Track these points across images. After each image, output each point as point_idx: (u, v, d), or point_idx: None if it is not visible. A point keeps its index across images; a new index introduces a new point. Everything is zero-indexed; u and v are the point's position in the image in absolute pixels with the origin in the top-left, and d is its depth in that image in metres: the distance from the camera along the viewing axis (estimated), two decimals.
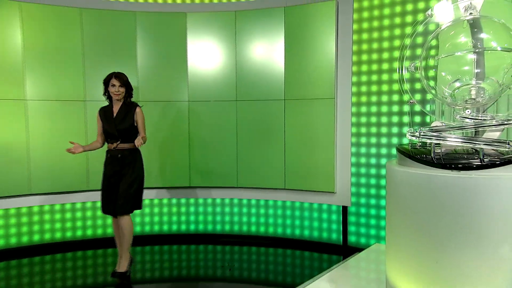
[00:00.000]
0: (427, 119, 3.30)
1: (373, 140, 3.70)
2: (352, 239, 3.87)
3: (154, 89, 4.21)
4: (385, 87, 3.61)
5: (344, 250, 3.86)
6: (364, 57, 3.69)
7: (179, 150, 4.27)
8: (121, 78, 3.33)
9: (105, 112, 3.37)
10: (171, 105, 4.26)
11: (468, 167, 1.88)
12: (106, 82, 3.32)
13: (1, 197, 3.72)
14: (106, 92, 3.35)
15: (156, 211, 4.33)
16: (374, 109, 3.68)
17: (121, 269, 3.34)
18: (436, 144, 2.12)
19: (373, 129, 3.70)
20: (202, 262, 3.92)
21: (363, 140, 3.75)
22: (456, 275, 1.87)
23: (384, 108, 3.63)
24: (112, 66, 3.86)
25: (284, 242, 4.20)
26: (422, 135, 2.15)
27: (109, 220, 3.90)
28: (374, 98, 3.68)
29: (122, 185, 3.36)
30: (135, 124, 3.37)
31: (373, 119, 3.68)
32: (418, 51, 2.94)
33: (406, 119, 3.47)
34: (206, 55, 4.20)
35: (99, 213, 3.76)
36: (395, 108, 3.57)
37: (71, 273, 3.60)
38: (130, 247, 3.35)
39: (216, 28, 4.14)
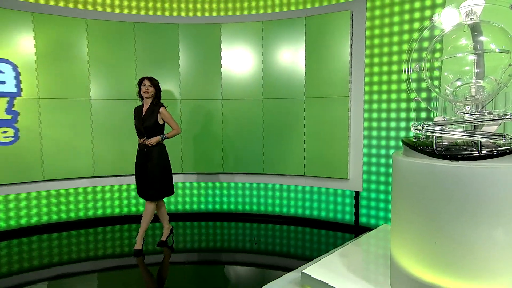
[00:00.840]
0: (432, 115, 3.33)
1: (383, 133, 3.77)
2: (363, 220, 3.99)
3: (193, 90, 4.37)
4: (394, 86, 3.68)
5: (356, 230, 3.97)
6: (376, 59, 3.75)
7: (214, 141, 4.43)
8: (151, 80, 3.39)
9: (137, 111, 3.45)
10: (207, 102, 4.39)
11: (467, 158, 1.88)
12: (139, 83, 3.41)
13: (80, 178, 4.14)
14: (139, 93, 3.42)
15: (195, 193, 4.58)
16: (384, 106, 3.75)
17: (137, 246, 3.45)
18: (437, 137, 2.13)
19: (383, 124, 3.77)
20: (233, 236, 4.06)
21: (374, 133, 3.82)
22: (453, 254, 1.87)
23: (393, 105, 3.69)
24: (158, 71, 4.16)
25: (303, 221, 4.31)
26: (425, 128, 2.16)
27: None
28: (384, 96, 3.74)
29: (148, 177, 3.41)
30: (159, 123, 3.38)
31: (383, 115, 3.75)
32: (423, 54, 2.88)
33: (412, 114, 3.52)
34: (237, 60, 4.32)
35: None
36: (403, 105, 3.64)
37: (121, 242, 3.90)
38: (147, 226, 3.44)
39: (246, 37, 4.26)
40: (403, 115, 3.65)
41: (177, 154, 4.37)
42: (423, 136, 2.35)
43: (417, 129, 2.22)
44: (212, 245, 3.84)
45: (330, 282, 2.41)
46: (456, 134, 2.09)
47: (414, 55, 2.95)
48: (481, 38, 2.15)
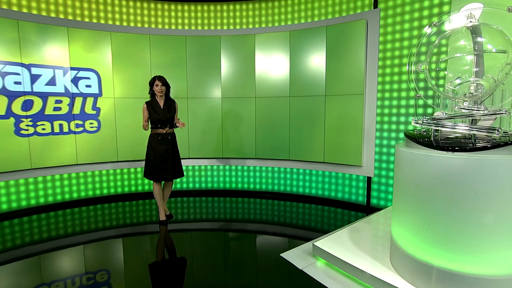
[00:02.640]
0: (433, 110, 3.25)
1: (393, 126, 3.79)
2: (374, 201, 4.04)
3: (231, 89, 4.60)
4: (404, 86, 3.67)
5: (367, 209, 4.02)
6: (388, 62, 3.75)
7: (248, 132, 4.61)
8: (163, 79, 3.38)
9: (152, 106, 3.38)
10: (243, 100, 4.59)
11: (461, 149, 1.83)
12: (151, 83, 3.38)
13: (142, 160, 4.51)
14: (151, 91, 3.40)
15: (233, 174, 4.84)
16: (395, 102, 3.75)
17: (163, 217, 3.59)
18: (435, 130, 2.08)
19: (394, 118, 3.78)
20: (264, 211, 4.17)
21: (385, 126, 3.84)
22: (445, 236, 1.86)
23: (403, 102, 3.69)
24: (204, 74, 4.43)
25: (322, 200, 4.41)
26: (424, 122, 2.13)
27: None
28: (395, 94, 3.75)
29: (175, 158, 3.47)
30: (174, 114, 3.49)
31: (394, 110, 3.77)
32: (422, 57, 2.96)
33: (420, 110, 3.47)
34: (268, 64, 4.45)
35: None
36: (411, 102, 3.62)
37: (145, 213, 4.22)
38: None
39: (276, 44, 4.39)
40: (411, 110, 3.64)
41: (219, 143, 4.67)
42: (424, 130, 2.30)
43: (417, 123, 2.20)
44: (247, 217, 4.02)
45: (336, 254, 2.48)
46: (452, 128, 2.04)
47: (416, 57, 2.87)
48: (480, 39, 2.10)
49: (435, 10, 3.37)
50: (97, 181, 4.50)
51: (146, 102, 3.43)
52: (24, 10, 3.87)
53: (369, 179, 4.05)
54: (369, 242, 2.77)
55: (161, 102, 3.45)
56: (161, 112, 3.41)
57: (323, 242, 2.72)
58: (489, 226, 1.77)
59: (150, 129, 3.49)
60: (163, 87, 3.40)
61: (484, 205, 1.76)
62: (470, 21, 2.15)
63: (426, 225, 1.94)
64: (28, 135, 3.88)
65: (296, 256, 2.79)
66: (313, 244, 2.73)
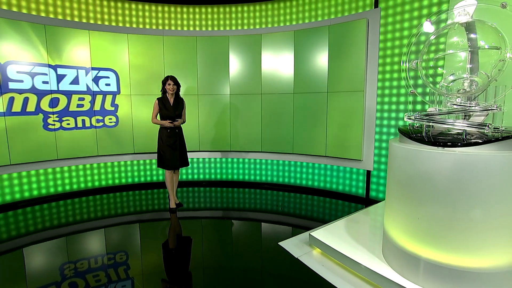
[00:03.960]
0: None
1: (393, 122, 3.68)
2: (373, 194, 3.95)
3: (239, 86, 4.55)
4: (403, 83, 3.52)
5: (366, 201, 3.95)
6: (388, 59, 3.62)
7: (255, 127, 4.57)
8: (174, 79, 3.46)
9: (163, 103, 3.48)
10: (250, 96, 4.54)
11: (452, 145, 1.73)
12: (164, 82, 3.46)
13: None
14: (163, 89, 3.48)
15: (240, 166, 4.83)
16: (394, 99, 3.63)
17: (173, 205, 3.65)
18: (427, 125, 1.98)
19: (393, 114, 3.67)
20: (269, 201, 4.14)
21: (385, 122, 3.73)
22: (433, 230, 1.78)
23: (402, 99, 3.57)
24: (213, 72, 4.41)
25: (323, 192, 4.35)
26: (417, 118, 2.05)
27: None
28: (394, 91, 3.62)
29: (182, 149, 3.59)
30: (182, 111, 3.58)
31: (393, 106, 3.65)
32: (412, 56, 2.73)
33: (418, 107, 3.35)
34: (273, 62, 4.38)
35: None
36: (410, 99, 3.46)
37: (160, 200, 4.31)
38: None
39: (281, 43, 4.30)
40: (410, 107, 3.48)
41: (227, 137, 4.67)
42: (418, 125, 2.21)
43: (409, 119, 2.12)
44: (252, 206, 4.01)
45: (330, 244, 2.43)
46: (442, 123, 1.94)
47: (412, 54, 2.70)
48: (473, 35, 1.98)
49: (434, 9, 3.21)
50: (116, 171, 4.60)
51: (158, 99, 3.52)
52: (51, 16, 3.95)
53: (368, 172, 3.95)
54: (364, 233, 2.69)
55: (171, 100, 3.53)
56: (170, 109, 3.50)
57: (319, 232, 2.67)
58: (476, 221, 1.68)
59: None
60: (175, 86, 3.48)
61: (472, 201, 1.67)
62: (464, 18, 2.01)
63: (416, 219, 1.86)
64: (55, 130, 3.99)
65: (294, 245, 2.76)
66: (309, 234, 2.68)
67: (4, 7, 3.64)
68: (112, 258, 2.61)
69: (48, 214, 3.68)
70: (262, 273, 2.44)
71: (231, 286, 2.24)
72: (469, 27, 2.00)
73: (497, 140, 1.70)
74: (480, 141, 1.71)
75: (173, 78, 3.48)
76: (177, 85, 3.52)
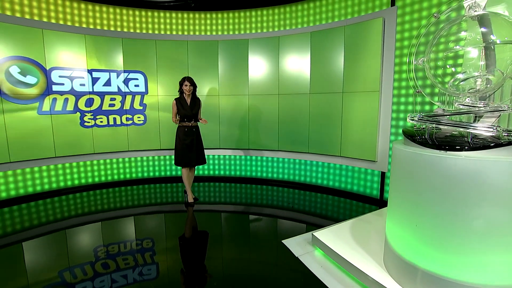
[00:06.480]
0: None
1: (409, 123, 3.29)
2: (387, 195, 3.70)
3: (257, 87, 4.50)
4: (420, 82, 3.09)
5: (380, 203, 3.75)
6: (404, 59, 3.36)
7: (272, 127, 4.49)
8: (191, 80, 3.47)
9: (181, 103, 3.49)
10: (267, 97, 4.44)
11: (454, 149, 1.53)
12: (181, 83, 3.48)
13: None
14: (180, 89, 3.50)
15: (259, 164, 4.79)
16: (410, 99, 3.38)
17: (190, 200, 3.68)
18: (431, 127, 1.80)
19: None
20: (285, 198, 4.07)
21: (401, 123, 3.48)
22: (431, 240, 1.61)
23: (418, 99, 3.25)
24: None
25: (337, 192, 4.19)
26: (420, 119, 1.87)
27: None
28: (411, 91, 3.35)
29: (199, 147, 3.58)
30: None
31: (410, 107, 3.40)
32: (417, 54, 2.48)
33: (434, 107, 2.99)
34: (291, 63, 4.24)
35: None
36: (427, 99, 3.18)
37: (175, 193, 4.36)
38: None
39: (298, 45, 4.15)
40: (427, 107, 3.22)
41: (245, 135, 4.65)
42: (423, 127, 1.95)
43: (412, 119, 1.93)
44: (266, 202, 3.96)
45: (331, 245, 2.31)
46: (447, 125, 1.73)
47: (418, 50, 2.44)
48: (483, 30, 1.74)
49: (453, 4, 2.86)
50: (144, 165, 4.78)
51: (175, 99, 3.56)
52: (91, 27, 4.19)
53: (383, 173, 3.72)
54: (369, 236, 2.50)
55: (188, 100, 3.55)
56: (187, 108, 3.52)
57: (321, 233, 2.55)
58: (478, 231, 1.48)
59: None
60: (191, 87, 3.50)
61: (474, 209, 1.47)
62: (475, 11, 1.77)
63: (413, 226, 1.68)
64: (90, 127, 4.25)
65: (296, 244, 2.66)
66: (312, 234, 2.57)
67: (53, 21, 3.95)
68: (140, 244, 2.75)
69: (87, 201, 3.95)
70: (258, 269, 2.37)
71: (221, 276, 2.22)
72: (481, 20, 1.75)
73: (509, 144, 1.46)
74: (491, 144, 1.48)
75: (189, 79, 3.49)
76: (194, 85, 3.53)
